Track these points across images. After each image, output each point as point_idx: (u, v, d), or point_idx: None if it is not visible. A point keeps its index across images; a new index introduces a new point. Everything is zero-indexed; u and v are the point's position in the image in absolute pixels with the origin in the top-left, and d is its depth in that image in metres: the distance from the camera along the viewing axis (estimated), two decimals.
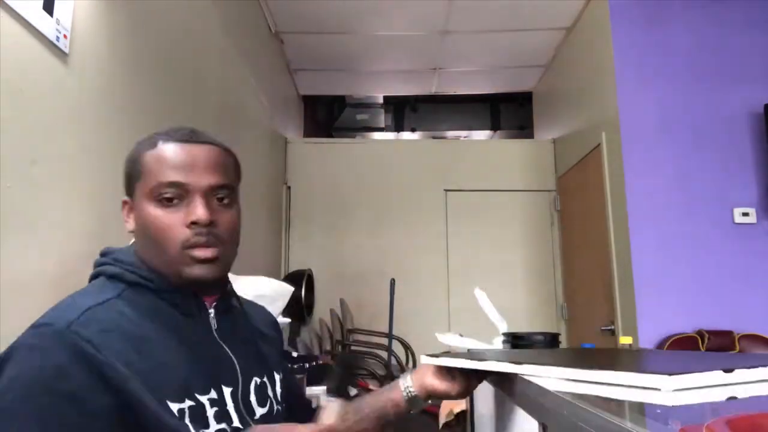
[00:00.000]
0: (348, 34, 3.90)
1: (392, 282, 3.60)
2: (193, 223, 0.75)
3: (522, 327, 1.49)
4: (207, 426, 0.71)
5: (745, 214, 2.82)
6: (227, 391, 0.76)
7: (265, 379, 0.85)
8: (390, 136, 5.45)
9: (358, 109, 5.22)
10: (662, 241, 2.81)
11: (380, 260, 4.13)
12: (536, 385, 0.60)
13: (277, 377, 0.89)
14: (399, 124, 5.46)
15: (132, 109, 1.71)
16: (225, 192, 0.79)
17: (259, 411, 0.81)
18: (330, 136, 5.25)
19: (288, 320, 1.72)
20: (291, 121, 4.59)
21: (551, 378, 0.58)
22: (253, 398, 0.80)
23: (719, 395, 0.42)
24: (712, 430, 0.30)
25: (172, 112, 2.03)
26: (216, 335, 0.80)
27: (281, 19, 3.67)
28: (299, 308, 3.65)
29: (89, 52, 1.46)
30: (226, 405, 0.75)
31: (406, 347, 3.76)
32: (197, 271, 0.75)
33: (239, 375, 0.79)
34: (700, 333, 2.62)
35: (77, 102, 1.41)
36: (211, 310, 0.81)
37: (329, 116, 5.43)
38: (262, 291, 1.40)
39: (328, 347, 3.75)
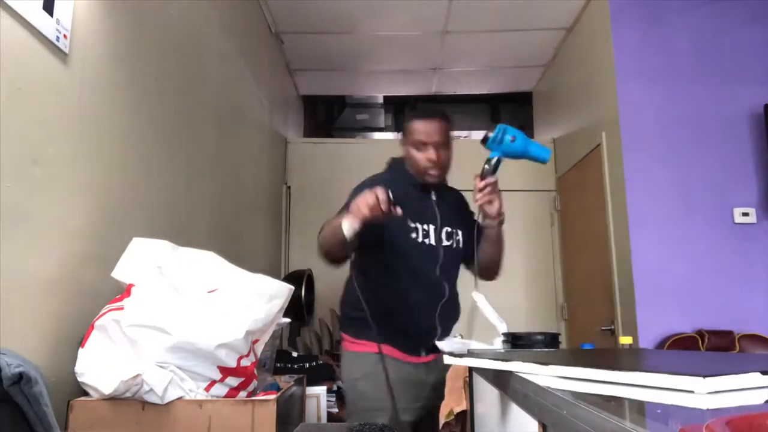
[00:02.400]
0: (348, 34, 3.90)
1: None
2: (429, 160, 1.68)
3: (522, 327, 1.49)
4: (428, 237, 1.69)
5: (745, 214, 2.82)
6: (431, 227, 1.69)
7: (452, 229, 1.73)
8: (390, 136, 5.44)
9: (358, 109, 5.22)
10: (662, 241, 2.81)
11: None
12: (536, 385, 0.60)
13: (460, 232, 1.75)
14: (399, 124, 5.46)
15: (132, 108, 1.71)
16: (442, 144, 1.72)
17: (446, 243, 1.71)
18: (330, 136, 5.25)
19: (288, 320, 1.72)
20: (291, 121, 4.59)
21: (571, 380, 0.56)
22: (443, 235, 1.71)
23: (757, 398, 0.40)
24: (712, 430, 0.30)
25: (172, 112, 2.03)
26: (433, 201, 1.74)
27: (281, 19, 3.67)
28: (299, 308, 3.65)
29: (89, 52, 1.46)
30: (429, 233, 1.69)
31: None
32: (426, 180, 1.73)
33: (438, 221, 1.71)
34: (700, 333, 2.62)
35: (77, 102, 1.41)
36: (433, 192, 1.74)
37: (329, 116, 5.43)
38: (262, 290, 1.40)
39: (328, 347, 3.75)
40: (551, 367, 0.62)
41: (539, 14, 3.60)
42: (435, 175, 1.67)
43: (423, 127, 1.65)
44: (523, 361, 0.70)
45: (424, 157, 1.64)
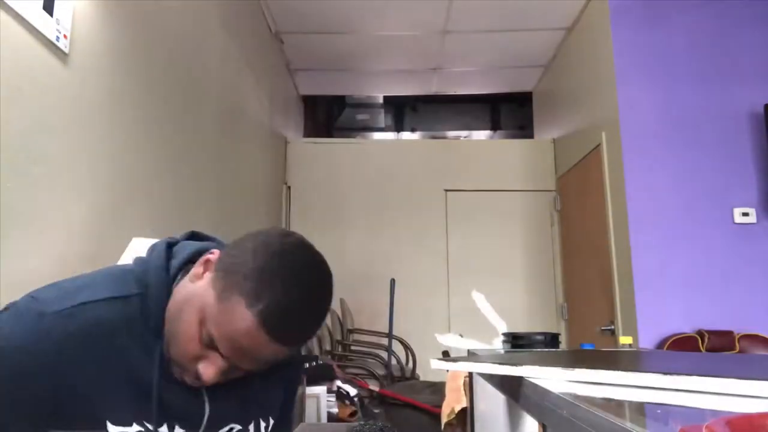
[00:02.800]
0: (348, 34, 3.90)
1: (392, 282, 3.60)
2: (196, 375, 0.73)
3: (522, 327, 1.49)
4: None
5: (745, 214, 2.82)
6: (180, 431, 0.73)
7: (248, 427, 0.80)
8: (390, 136, 5.45)
9: (358, 109, 5.22)
10: (662, 240, 2.80)
11: (380, 260, 4.13)
12: (536, 385, 0.60)
13: (263, 424, 0.82)
14: (399, 124, 5.46)
15: (132, 108, 1.71)
16: None
17: None
18: (330, 136, 5.25)
19: None
20: (291, 121, 4.59)
21: (618, 386, 0.52)
22: None
23: None
24: (712, 430, 0.30)
25: (172, 112, 2.03)
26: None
27: (281, 19, 3.67)
28: None
29: (89, 52, 1.46)
30: None
31: (406, 347, 3.76)
32: (179, 376, 0.73)
33: (204, 420, 0.75)
34: (700, 333, 2.62)
35: (77, 102, 1.41)
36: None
37: (329, 116, 5.43)
38: None
39: (328, 347, 3.75)
40: (578, 371, 0.57)
41: (539, 14, 3.60)
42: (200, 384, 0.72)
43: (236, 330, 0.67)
44: (536, 365, 0.63)
45: (198, 365, 0.70)
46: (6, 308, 0.70)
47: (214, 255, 0.73)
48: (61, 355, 0.65)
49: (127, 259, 1.42)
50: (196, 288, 0.70)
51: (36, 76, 1.24)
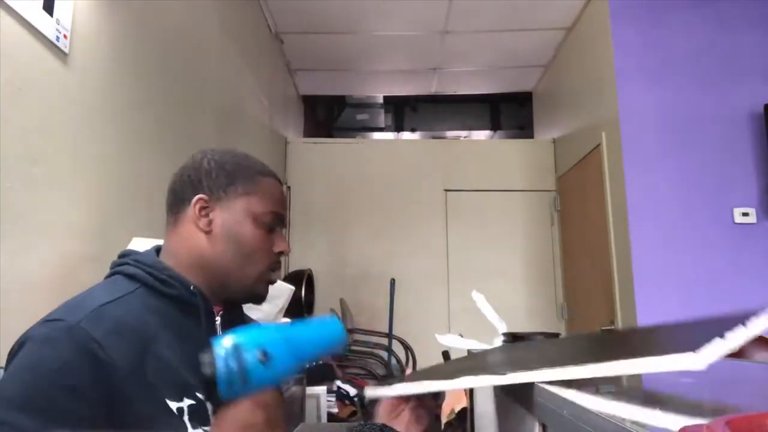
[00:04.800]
0: (348, 34, 3.90)
1: (392, 282, 3.60)
2: (280, 252, 0.87)
3: (522, 327, 1.49)
4: (207, 423, 0.73)
5: (745, 214, 2.82)
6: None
7: None
8: (390, 136, 5.45)
9: (358, 109, 5.22)
10: (662, 241, 2.80)
11: (380, 260, 4.13)
12: (537, 385, 0.60)
13: None
14: (399, 124, 5.46)
15: (132, 109, 1.71)
16: None
17: None
18: (330, 136, 5.25)
19: (288, 320, 1.72)
20: (291, 121, 4.59)
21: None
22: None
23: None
24: (712, 430, 0.30)
25: (172, 112, 2.03)
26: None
27: (281, 19, 3.67)
28: (299, 308, 3.65)
29: (89, 52, 1.46)
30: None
31: (406, 347, 3.76)
32: (265, 290, 0.87)
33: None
34: None
35: (77, 102, 1.41)
36: (218, 318, 0.85)
37: (329, 116, 5.43)
38: None
39: None
40: (509, 375, 0.58)
41: (539, 14, 3.60)
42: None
43: (279, 193, 0.90)
44: (479, 373, 0.62)
45: (279, 246, 0.87)
46: (20, 345, 0.68)
47: (198, 197, 0.83)
48: (108, 353, 0.67)
49: None
50: (221, 213, 0.83)
51: (36, 76, 1.24)
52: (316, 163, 4.37)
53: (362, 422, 0.67)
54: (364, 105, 5.22)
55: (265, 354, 0.68)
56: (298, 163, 4.38)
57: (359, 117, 5.21)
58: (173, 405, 0.71)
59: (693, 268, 2.78)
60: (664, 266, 2.77)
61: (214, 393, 0.69)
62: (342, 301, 3.86)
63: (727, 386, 0.62)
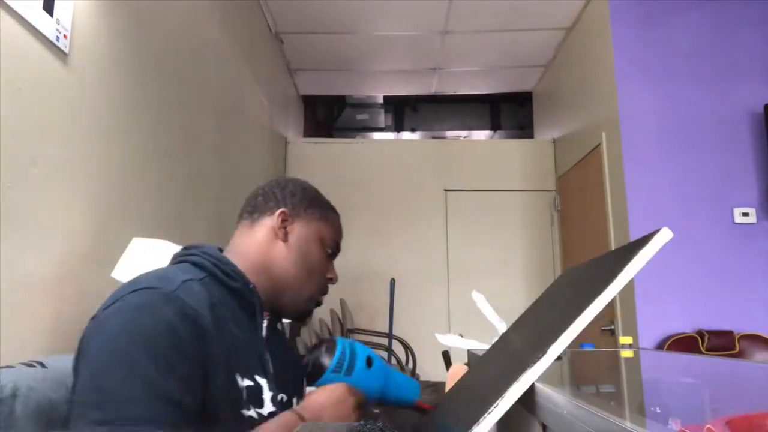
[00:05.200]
0: (348, 34, 3.90)
1: (392, 282, 3.60)
2: (330, 279, 1.02)
3: None
4: (262, 405, 0.81)
5: (745, 214, 2.82)
6: (264, 381, 0.85)
7: (287, 396, 0.91)
8: (390, 136, 5.45)
9: (358, 109, 5.22)
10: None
11: (380, 260, 4.13)
12: (537, 385, 0.60)
13: (294, 401, 0.94)
14: (399, 124, 5.46)
15: (132, 109, 1.71)
16: None
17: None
18: (330, 136, 5.25)
19: (288, 320, 1.72)
20: (291, 121, 4.59)
21: None
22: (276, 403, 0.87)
23: None
24: (712, 431, 0.30)
25: (172, 112, 2.03)
26: (264, 339, 0.91)
27: (281, 19, 3.67)
28: None
29: (89, 52, 1.46)
30: (270, 391, 0.85)
31: (406, 347, 3.76)
32: (311, 309, 1.01)
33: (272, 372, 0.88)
34: (700, 333, 2.62)
35: (77, 102, 1.41)
36: (265, 321, 0.92)
37: (329, 116, 5.43)
38: None
39: None
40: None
41: (539, 14, 3.60)
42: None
43: (341, 230, 1.06)
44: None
45: (331, 272, 1.03)
46: (110, 311, 0.72)
47: (282, 210, 0.96)
48: (203, 321, 0.75)
49: (127, 259, 1.42)
50: (298, 227, 0.97)
51: (36, 77, 1.24)
52: (316, 163, 4.37)
53: (362, 422, 0.68)
54: (364, 105, 5.21)
55: (370, 361, 0.91)
56: (298, 163, 4.37)
57: (359, 117, 5.21)
58: (240, 382, 0.79)
59: (693, 269, 2.78)
60: (664, 266, 2.77)
61: (278, 379, 0.85)
62: (342, 301, 3.86)
63: (727, 386, 0.62)
